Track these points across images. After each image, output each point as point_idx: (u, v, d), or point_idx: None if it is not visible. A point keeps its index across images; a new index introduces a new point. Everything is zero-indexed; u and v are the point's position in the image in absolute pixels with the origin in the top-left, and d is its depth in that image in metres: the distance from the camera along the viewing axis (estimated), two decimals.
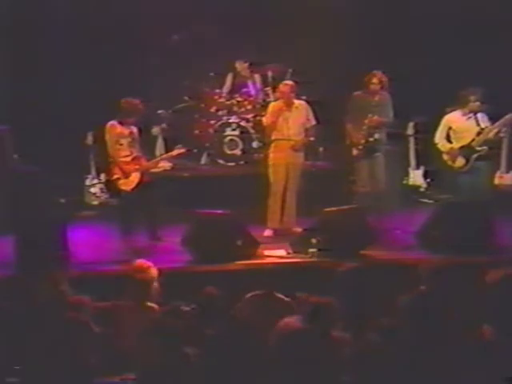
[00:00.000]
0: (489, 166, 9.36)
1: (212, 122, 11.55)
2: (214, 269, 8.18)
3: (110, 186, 9.26)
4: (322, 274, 7.28)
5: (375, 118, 9.38)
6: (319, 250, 8.42)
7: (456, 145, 9.14)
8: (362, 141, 9.42)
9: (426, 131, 10.17)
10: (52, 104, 11.13)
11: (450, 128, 9.20)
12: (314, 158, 11.05)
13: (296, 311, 6.29)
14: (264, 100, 11.51)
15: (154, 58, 11.68)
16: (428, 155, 10.48)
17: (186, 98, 11.89)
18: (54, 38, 11.25)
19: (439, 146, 9.24)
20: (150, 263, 6.72)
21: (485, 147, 9.04)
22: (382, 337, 5.41)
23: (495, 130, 9.10)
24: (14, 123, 10.47)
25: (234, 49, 11.67)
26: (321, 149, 11.37)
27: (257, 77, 11.80)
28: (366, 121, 9.38)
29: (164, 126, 11.71)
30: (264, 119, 9.79)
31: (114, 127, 8.99)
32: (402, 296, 6.23)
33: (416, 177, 11.30)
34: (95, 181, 11.14)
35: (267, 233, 9.45)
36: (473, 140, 9.05)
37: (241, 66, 11.73)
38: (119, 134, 8.98)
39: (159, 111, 11.66)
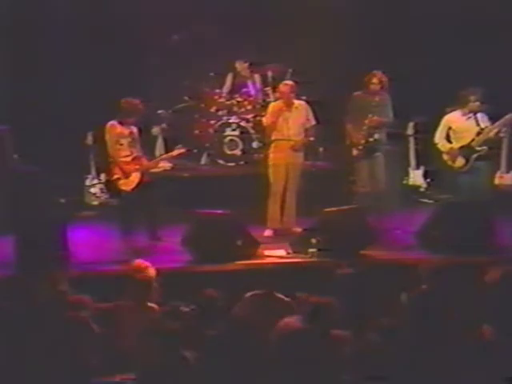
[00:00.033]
0: (489, 166, 9.36)
1: (212, 122, 11.54)
2: (214, 269, 8.18)
3: (110, 186, 9.25)
4: (322, 274, 7.28)
5: (375, 118, 9.38)
6: (319, 249, 8.41)
7: (456, 145, 9.14)
8: (362, 141, 9.42)
9: (426, 131, 10.17)
10: (52, 104, 11.13)
11: (449, 128, 9.20)
12: (314, 158, 11.04)
13: (296, 311, 6.29)
14: (264, 100, 11.50)
15: (154, 58, 11.68)
16: (428, 155, 10.48)
17: (186, 98, 11.89)
18: (54, 38, 11.25)
19: (439, 146, 9.24)
20: (147, 263, 6.72)
21: (485, 147, 9.04)
22: (381, 337, 5.41)
23: (495, 130, 9.10)
24: (14, 123, 10.46)
25: (234, 49, 11.66)
26: (321, 149, 11.37)
27: (257, 77, 11.80)
28: (366, 121, 9.38)
29: (164, 126, 11.71)
30: (264, 119, 9.79)
31: (114, 127, 8.98)
32: (401, 296, 6.25)
33: (416, 177, 11.30)
34: (95, 181, 11.14)
35: (267, 233, 9.45)
36: (473, 140, 9.05)
37: (241, 66, 11.72)
38: (119, 134, 8.98)
39: (159, 111, 11.66)
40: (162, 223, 9.18)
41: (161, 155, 10.62)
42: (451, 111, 9.23)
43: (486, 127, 9.06)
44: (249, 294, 6.81)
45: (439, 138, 9.23)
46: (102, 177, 10.77)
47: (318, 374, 5.35)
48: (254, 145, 11.29)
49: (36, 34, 11.29)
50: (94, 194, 11.11)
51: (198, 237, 8.51)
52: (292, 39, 11.39)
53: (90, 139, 11.17)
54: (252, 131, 11.28)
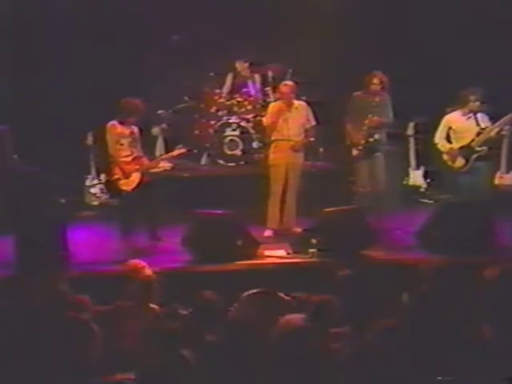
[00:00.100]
0: (489, 166, 9.36)
1: (212, 122, 11.55)
2: (214, 269, 8.18)
3: (111, 187, 9.25)
4: (322, 274, 7.28)
5: (375, 118, 9.38)
6: (319, 250, 8.42)
7: (456, 145, 9.14)
8: (362, 141, 9.42)
9: (426, 131, 10.18)
10: (52, 104, 11.13)
11: (449, 128, 9.20)
12: (314, 158, 11.05)
13: (295, 309, 6.29)
14: (264, 100, 11.50)
15: (154, 58, 11.67)
16: (428, 155, 10.48)
17: (186, 98, 11.89)
18: (54, 38, 11.25)
19: (439, 146, 9.24)
20: (144, 263, 6.72)
21: (484, 147, 9.04)
22: (382, 337, 5.41)
23: (496, 130, 9.09)
24: (14, 123, 10.47)
25: (234, 49, 11.66)
26: (321, 149, 11.37)
27: (257, 77, 11.80)
28: (366, 121, 9.38)
29: (164, 126, 11.71)
30: (264, 119, 9.79)
31: (114, 127, 8.98)
32: (402, 296, 6.25)
33: (416, 177, 11.31)
34: (95, 181, 11.14)
35: (267, 233, 9.45)
36: (473, 140, 9.05)
37: (241, 66, 11.72)
38: (120, 134, 8.97)
39: (159, 111, 11.65)
40: (162, 223, 9.18)
41: (161, 155, 10.63)
42: (451, 111, 9.24)
43: (487, 127, 9.06)
44: (246, 294, 6.80)
45: (439, 138, 9.23)
46: (102, 177, 10.77)
47: (318, 373, 5.35)
48: (254, 145, 11.29)
49: (36, 33, 11.30)
50: (94, 194, 11.12)
51: (198, 237, 8.51)
52: (292, 39, 11.40)
53: (90, 139, 11.17)
54: (252, 131, 11.28)
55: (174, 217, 9.40)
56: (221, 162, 11.43)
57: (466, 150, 9.07)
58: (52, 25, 11.33)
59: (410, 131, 11.38)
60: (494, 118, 9.11)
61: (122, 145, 8.97)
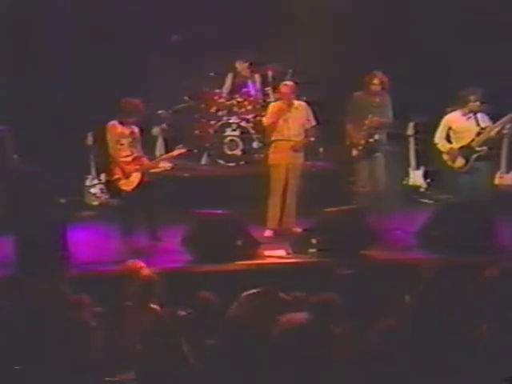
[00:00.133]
0: (489, 166, 9.36)
1: (212, 122, 11.54)
2: (214, 269, 8.18)
3: (111, 187, 9.24)
4: (322, 274, 7.28)
5: (375, 118, 9.38)
6: (319, 250, 8.42)
7: (456, 145, 9.14)
8: (362, 141, 9.42)
9: (426, 131, 10.17)
10: (52, 104, 11.13)
11: (449, 128, 9.20)
12: (314, 158, 11.04)
13: (295, 309, 6.29)
14: (264, 100, 11.50)
15: (154, 58, 11.67)
16: (428, 155, 10.48)
17: (186, 98, 11.88)
18: (54, 38, 11.25)
19: (439, 146, 9.24)
20: (142, 263, 6.72)
21: (484, 147, 9.04)
22: (382, 337, 5.41)
23: (497, 129, 9.09)
24: (14, 123, 10.47)
25: (234, 49, 11.65)
26: (321, 149, 11.36)
27: (257, 77, 11.79)
28: (366, 121, 9.37)
29: (164, 126, 11.70)
30: (264, 120, 9.79)
31: (114, 127, 8.98)
32: (402, 296, 6.24)
33: (416, 177, 11.30)
34: (95, 181, 11.14)
35: (267, 233, 9.44)
36: (473, 140, 9.05)
37: (241, 66, 11.72)
38: (120, 134, 8.97)
39: (159, 111, 11.65)
40: (162, 223, 9.17)
41: (161, 155, 10.62)
42: (451, 111, 9.23)
43: (487, 127, 9.06)
44: (245, 293, 6.79)
45: (439, 138, 9.23)
46: (102, 177, 10.76)
47: (319, 371, 5.35)
48: (255, 145, 11.29)
49: (36, 33, 11.29)
50: (94, 194, 11.11)
51: (198, 237, 8.51)
52: (292, 39, 11.39)
53: (90, 139, 11.17)
54: (252, 131, 11.27)
55: (173, 217, 9.40)
56: (221, 162, 11.43)
57: (466, 150, 9.07)
58: (52, 25, 11.33)
59: (410, 131, 11.37)
60: (493, 118, 9.10)
61: (122, 145, 8.97)
